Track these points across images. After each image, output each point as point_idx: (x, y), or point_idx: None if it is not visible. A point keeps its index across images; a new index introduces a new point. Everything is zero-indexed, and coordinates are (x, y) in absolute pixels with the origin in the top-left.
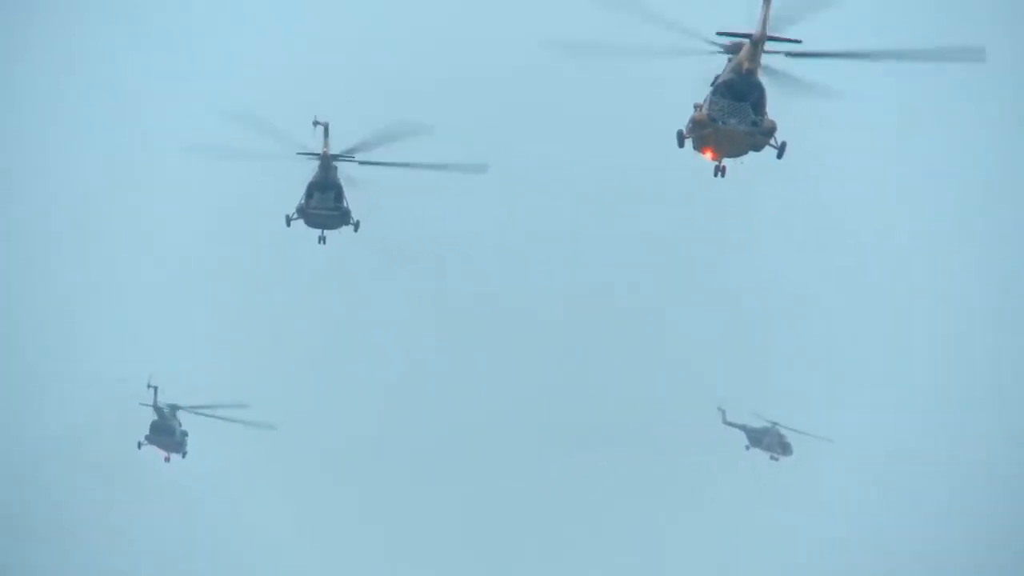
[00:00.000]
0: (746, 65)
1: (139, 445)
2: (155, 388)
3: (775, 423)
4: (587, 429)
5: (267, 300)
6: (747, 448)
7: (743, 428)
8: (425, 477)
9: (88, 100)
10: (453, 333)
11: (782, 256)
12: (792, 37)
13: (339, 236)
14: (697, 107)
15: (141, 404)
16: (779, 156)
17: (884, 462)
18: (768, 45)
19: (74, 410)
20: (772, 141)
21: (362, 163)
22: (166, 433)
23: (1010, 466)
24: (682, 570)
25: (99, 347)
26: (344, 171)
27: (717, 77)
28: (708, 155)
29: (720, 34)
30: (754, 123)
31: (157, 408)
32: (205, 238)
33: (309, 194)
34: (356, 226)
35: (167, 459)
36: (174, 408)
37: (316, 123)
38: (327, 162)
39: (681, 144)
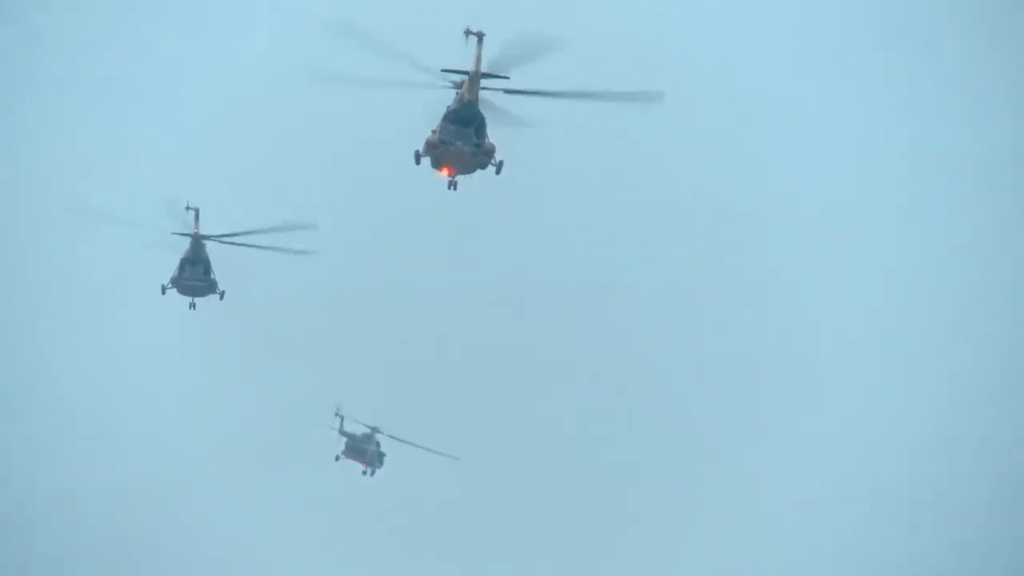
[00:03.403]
0: (467, 97)
1: (336, 458)
2: (341, 417)
3: None
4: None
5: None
6: None
7: None
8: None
9: None
10: None
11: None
12: (502, 74)
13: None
14: (433, 132)
15: (330, 428)
16: (497, 172)
17: (870, 464)
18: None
19: None
20: (492, 160)
21: (223, 241)
22: (357, 452)
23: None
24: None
25: None
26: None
27: (448, 106)
28: (443, 172)
29: (444, 71)
30: (477, 145)
31: (342, 432)
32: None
33: (182, 267)
34: (222, 295)
35: (364, 472)
36: (374, 430)
37: (188, 208)
38: (197, 241)
39: (418, 162)
